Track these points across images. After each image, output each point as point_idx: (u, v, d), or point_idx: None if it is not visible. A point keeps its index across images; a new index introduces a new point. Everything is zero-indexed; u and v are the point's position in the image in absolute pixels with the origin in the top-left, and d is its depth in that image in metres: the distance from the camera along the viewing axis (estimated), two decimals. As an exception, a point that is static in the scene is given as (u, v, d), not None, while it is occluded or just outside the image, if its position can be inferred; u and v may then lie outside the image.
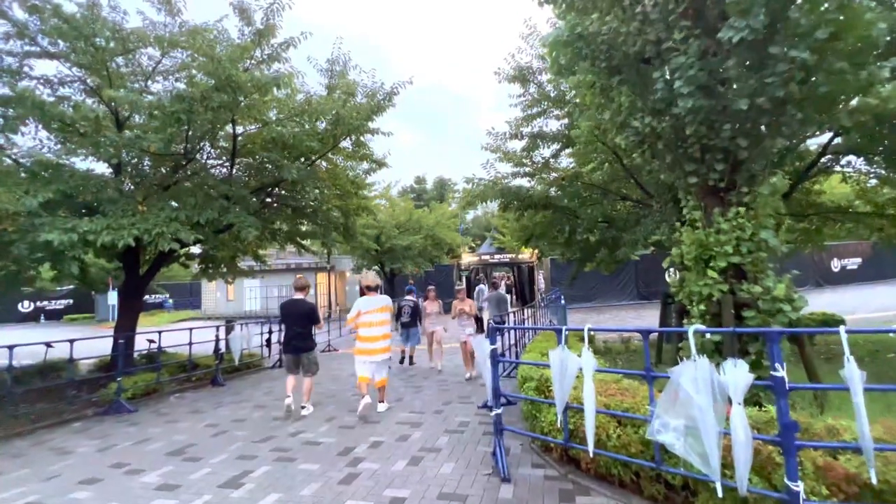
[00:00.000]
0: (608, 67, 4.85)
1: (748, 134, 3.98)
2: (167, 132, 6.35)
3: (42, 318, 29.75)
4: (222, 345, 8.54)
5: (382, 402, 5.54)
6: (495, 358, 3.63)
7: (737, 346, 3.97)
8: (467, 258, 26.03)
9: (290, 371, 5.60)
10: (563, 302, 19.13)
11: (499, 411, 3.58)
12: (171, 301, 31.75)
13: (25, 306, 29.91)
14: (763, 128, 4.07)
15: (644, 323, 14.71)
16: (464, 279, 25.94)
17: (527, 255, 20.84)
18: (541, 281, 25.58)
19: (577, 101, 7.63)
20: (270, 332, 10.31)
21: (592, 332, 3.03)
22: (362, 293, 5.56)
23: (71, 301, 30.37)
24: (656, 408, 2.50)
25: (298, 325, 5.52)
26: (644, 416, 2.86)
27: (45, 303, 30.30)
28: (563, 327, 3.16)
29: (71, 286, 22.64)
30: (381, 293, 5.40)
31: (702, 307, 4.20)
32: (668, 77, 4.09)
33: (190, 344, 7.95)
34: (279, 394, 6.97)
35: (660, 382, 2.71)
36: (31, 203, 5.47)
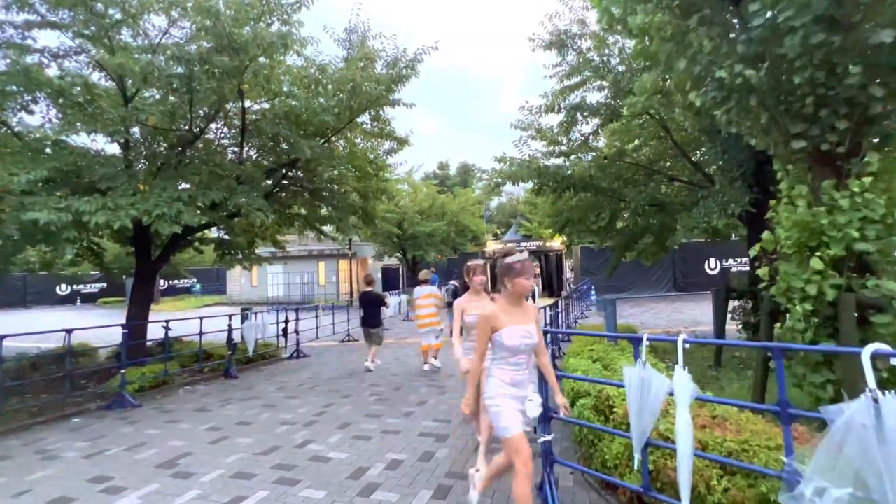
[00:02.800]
0: (682, 5, 3.89)
1: (887, 79, 2.99)
2: (168, 103, 5.75)
3: (78, 300, 30.78)
4: (236, 334, 8.08)
5: (435, 359, 7.26)
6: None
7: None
8: (492, 246, 25.13)
9: (367, 340, 7.87)
10: (593, 293, 18.11)
11: (548, 438, 2.80)
12: (198, 286, 32.29)
13: (63, 289, 30.99)
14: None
15: (684, 317, 13.58)
16: (487, 267, 25.10)
17: (556, 242, 19.77)
18: (569, 270, 24.49)
19: (631, 59, 6.60)
20: (287, 321, 9.81)
21: (655, 335, 2.20)
22: (417, 284, 7.49)
23: (105, 285, 31.25)
24: (809, 465, 1.67)
25: (371, 308, 7.71)
26: (768, 468, 2.03)
27: (82, 286, 31.32)
28: (644, 335, 2.34)
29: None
30: (430, 285, 7.36)
31: (807, 306, 3.28)
32: (769, 6, 3.12)
33: (200, 334, 7.49)
34: (292, 390, 6.45)
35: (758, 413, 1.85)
36: (20, 180, 4.98)
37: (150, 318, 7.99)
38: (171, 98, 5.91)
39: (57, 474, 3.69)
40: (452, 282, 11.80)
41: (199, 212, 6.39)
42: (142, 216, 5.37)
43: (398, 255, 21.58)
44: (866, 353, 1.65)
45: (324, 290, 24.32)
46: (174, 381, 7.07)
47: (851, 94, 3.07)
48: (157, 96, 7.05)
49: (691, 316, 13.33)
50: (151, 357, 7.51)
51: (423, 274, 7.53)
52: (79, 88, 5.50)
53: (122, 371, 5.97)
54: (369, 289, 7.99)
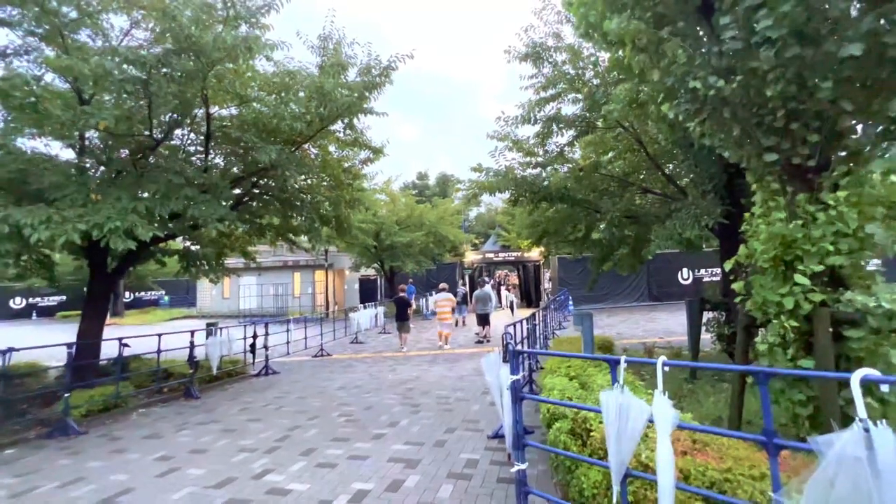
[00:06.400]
0: (655, 15, 3.88)
1: (855, 94, 3.00)
2: (123, 107, 5.40)
3: (34, 314, 28.97)
4: (198, 351, 7.61)
5: (447, 344, 11.19)
6: (517, 393, 2.67)
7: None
8: (471, 256, 25.05)
9: (399, 330, 11.34)
10: (570, 304, 18.16)
11: (522, 467, 2.62)
12: (166, 298, 30.93)
13: (17, 303, 29.13)
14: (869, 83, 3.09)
15: (659, 326, 13.71)
16: (466, 277, 24.97)
17: (535, 253, 19.84)
18: (546, 281, 24.60)
19: (605, 73, 6.63)
20: (255, 336, 9.36)
21: (636, 355, 2.07)
22: (437, 291, 12.48)
23: (64, 298, 29.51)
24: (798, 502, 1.53)
25: (401, 307, 11.26)
26: (753, 500, 1.90)
27: (38, 299, 29.47)
28: (622, 358, 2.20)
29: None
30: (447, 292, 12.06)
31: (792, 322, 3.21)
32: (742, 20, 3.11)
33: (159, 351, 7.02)
34: (256, 411, 6.07)
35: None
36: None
37: (112, 334, 7.43)
38: (129, 102, 5.56)
39: (-26, 519, 3.27)
40: (462, 287, 17.79)
41: (157, 224, 6.00)
42: (91, 230, 4.97)
43: (375, 265, 21.18)
44: (855, 378, 1.54)
45: (299, 302, 23.64)
46: (128, 403, 6.56)
47: (822, 107, 3.07)
48: (98, 91, 6.64)
49: (665, 325, 13.47)
50: (107, 377, 6.96)
51: (441, 285, 12.54)
52: (21, 91, 5.09)
53: (67, 395, 5.48)
54: (401, 294, 11.88)
